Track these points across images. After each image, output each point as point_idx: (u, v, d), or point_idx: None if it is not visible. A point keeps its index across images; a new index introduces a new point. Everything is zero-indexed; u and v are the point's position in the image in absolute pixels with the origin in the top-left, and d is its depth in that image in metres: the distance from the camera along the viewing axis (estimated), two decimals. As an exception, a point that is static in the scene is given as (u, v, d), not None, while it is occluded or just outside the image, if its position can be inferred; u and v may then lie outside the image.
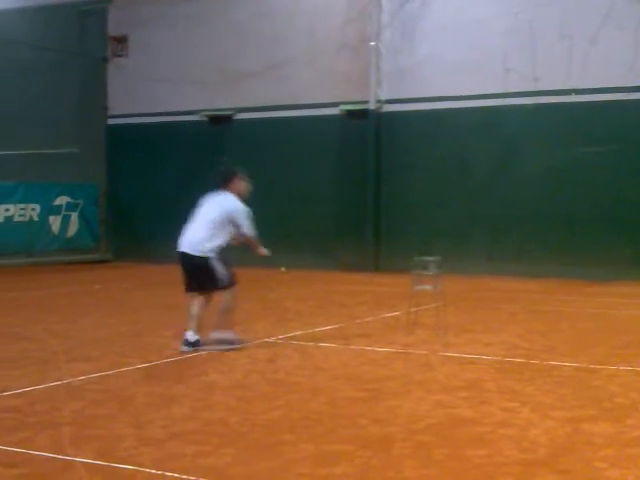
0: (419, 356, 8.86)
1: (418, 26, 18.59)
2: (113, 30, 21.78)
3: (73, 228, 21.16)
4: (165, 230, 20.85)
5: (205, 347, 8.96)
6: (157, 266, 19.56)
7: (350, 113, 19.27)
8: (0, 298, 14.11)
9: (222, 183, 9.26)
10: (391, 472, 5.10)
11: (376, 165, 18.92)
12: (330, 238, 19.41)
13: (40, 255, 20.38)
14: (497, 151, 18.00)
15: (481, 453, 5.44)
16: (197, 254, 8.95)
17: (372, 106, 18.88)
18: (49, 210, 20.46)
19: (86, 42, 21.93)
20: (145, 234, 21.30)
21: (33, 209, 20.11)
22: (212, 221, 8.99)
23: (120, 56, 21.80)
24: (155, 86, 21.04)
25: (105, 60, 21.86)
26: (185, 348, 8.88)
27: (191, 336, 8.92)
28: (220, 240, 8.97)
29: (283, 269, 16.98)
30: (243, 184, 9.30)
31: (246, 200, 9.22)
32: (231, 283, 9.02)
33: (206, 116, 20.74)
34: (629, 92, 16.76)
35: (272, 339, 9.80)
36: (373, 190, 18.92)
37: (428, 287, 10.20)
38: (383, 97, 18.94)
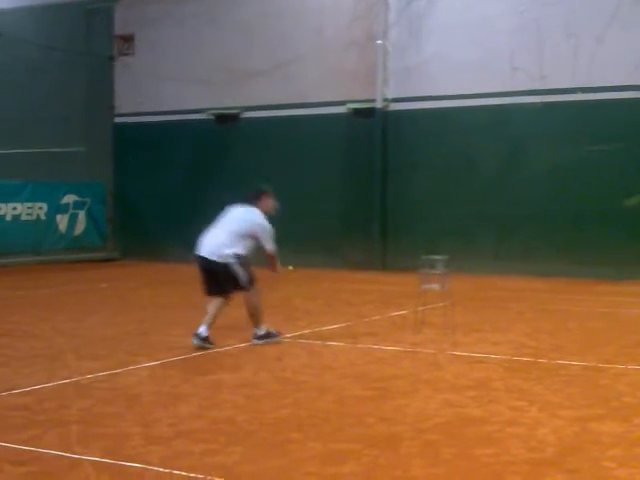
0: (427, 355, 8.86)
1: (425, 24, 18.56)
2: (120, 29, 21.79)
3: (80, 227, 21.19)
4: (172, 228, 21.06)
5: (249, 343, 9.21)
6: (164, 264, 19.60)
7: (357, 111, 19.25)
8: (8, 296, 14.13)
9: (251, 198, 9.39)
10: (399, 471, 5.10)
11: (383, 163, 18.90)
12: (337, 237, 19.40)
13: (47, 254, 20.41)
14: (504, 149, 17.97)
15: (489, 452, 5.44)
16: (217, 259, 9.05)
17: (379, 104, 18.86)
18: (56, 209, 20.48)
19: (93, 41, 21.94)
20: (152, 232, 21.33)
21: (40, 208, 20.14)
22: (233, 232, 9.13)
23: (127, 55, 21.81)
24: (162, 85, 21.05)
25: (112, 59, 21.88)
26: (195, 341, 8.96)
27: (204, 331, 9.01)
28: (239, 249, 9.09)
29: (290, 268, 16.93)
30: (271, 202, 9.48)
31: (271, 217, 9.36)
32: (251, 283, 9.13)
33: (213, 115, 20.74)
34: (635, 91, 16.70)
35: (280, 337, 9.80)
36: (380, 189, 18.90)
37: (435, 286, 10.19)
38: (390, 95, 18.92)
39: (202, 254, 9.18)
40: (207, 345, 8.96)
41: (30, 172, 20.33)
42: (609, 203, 16.88)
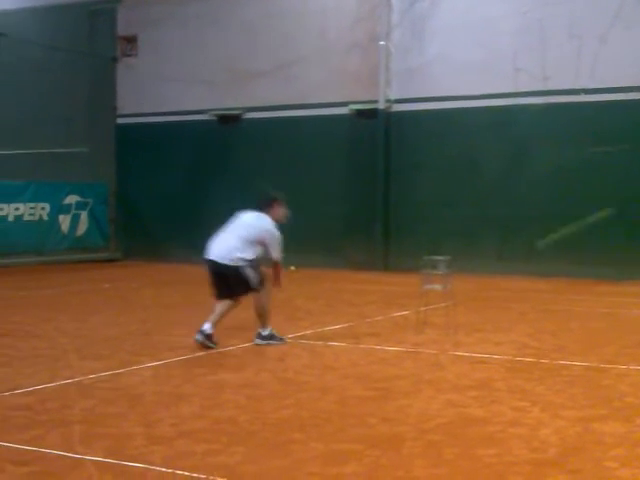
0: (429, 355, 8.85)
1: (428, 26, 18.56)
2: (122, 30, 21.81)
3: (83, 227, 21.20)
4: (174, 229, 21.10)
5: (252, 343, 9.23)
6: (166, 265, 19.61)
7: (359, 113, 19.26)
8: (10, 297, 14.15)
9: (263, 205, 9.39)
10: (401, 471, 5.09)
11: (385, 165, 18.90)
12: (339, 237, 19.41)
13: (50, 254, 20.42)
14: (507, 151, 17.97)
15: (491, 452, 5.44)
16: (227, 262, 9.06)
17: (381, 106, 18.86)
18: (59, 209, 20.50)
19: (96, 42, 21.96)
20: (154, 233, 21.35)
21: (43, 208, 20.15)
22: (242, 237, 9.13)
23: (129, 56, 21.83)
24: (164, 86, 21.07)
25: (115, 60, 21.90)
26: (199, 337, 8.96)
27: (208, 328, 9.00)
28: (249, 254, 9.10)
29: (293, 268, 16.99)
30: (282, 210, 9.52)
31: (281, 225, 9.38)
32: (261, 284, 9.16)
33: (215, 115, 20.76)
34: (639, 92, 16.70)
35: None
36: (382, 189, 18.90)
37: (438, 286, 10.19)
38: (392, 97, 18.92)
39: (212, 258, 9.18)
40: (209, 344, 8.95)
41: (33, 172, 20.35)
42: (612, 204, 16.88)
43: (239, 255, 9.04)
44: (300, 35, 19.80)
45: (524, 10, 17.58)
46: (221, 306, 9.14)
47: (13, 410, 6.47)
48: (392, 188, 18.91)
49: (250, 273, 9.07)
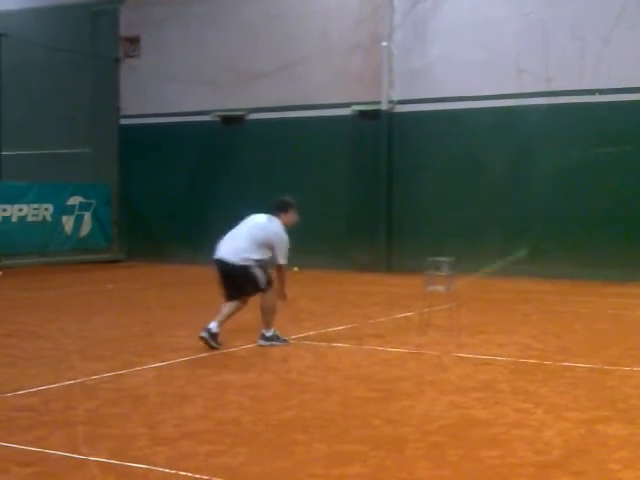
0: (432, 357, 8.85)
1: (430, 26, 18.55)
2: (125, 31, 21.81)
3: (86, 228, 21.20)
4: (177, 230, 21.11)
5: (256, 344, 9.26)
6: (169, 266, 19.60)
7: (362, 114, 19.25)
8: (14, 298, 14.17)
9: (275, 209, 9.41)
10: (404, 473, 5.09)
11: (388, 165, 18.89)
12: (343, 238, 19.40)
13: (53, 255, 20.43)
14: (510, 152, 17.94)
15: (495, 454, 5.43)
16: (237, 262, 9.07)
17: (384, 106, 18.85)
18: (62, 210, 20.50)
19: (98, 42, 21.97)
20: (157, 234, 21.35)
21: (46, 209, 20.15)
22: (251, 238, 9.16)
23: (132, 57, 21.82)
24: (167, 86, 21.07)
25: (117, 61, 21.89)
26: (204, 334, 8.97)
27: (214, 327, 9.02)
28: (258, 256, 9.12)
29: (296, 269, 16.98)
30: (293, 216, 9.53)
31: (289, 230, 9.40)
32: (269, 284, 9.18)
33: (218, 116, 20.75)
34: (642, 92, 16.72)
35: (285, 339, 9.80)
36: (385, 190, 18.89)
37: (441, 288, 10.18)
38: (395, 97, 18.91)
39: (221, 257, 9.20)
40: (214, 344, 8.95)
41: (36, 173, 20.37)
42: (616, 205, 16.86)
43: (247, 255, 9.06)
44: (302, 36, 19.79)
45: (527, 11, 17.57)
46: (228, 307, 9.16)
47: (17, 411, 6.47)
48: (395, 189, 18.90)
49: (258, 273, 9.09)
